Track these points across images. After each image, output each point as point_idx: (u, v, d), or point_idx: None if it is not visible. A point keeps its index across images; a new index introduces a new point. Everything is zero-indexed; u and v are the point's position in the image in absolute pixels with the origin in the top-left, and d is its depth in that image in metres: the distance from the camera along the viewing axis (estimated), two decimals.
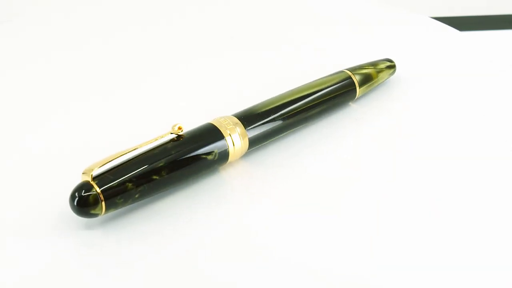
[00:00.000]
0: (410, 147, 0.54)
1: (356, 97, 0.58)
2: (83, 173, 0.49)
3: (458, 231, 0.48)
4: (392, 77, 0.61)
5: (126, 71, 0.63)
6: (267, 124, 0.54)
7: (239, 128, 0.53)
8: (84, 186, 0.48)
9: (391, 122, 0.57)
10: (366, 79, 0.58)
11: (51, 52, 0.66)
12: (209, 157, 0.52)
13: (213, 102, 0.60)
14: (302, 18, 0.72)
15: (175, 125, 0.52)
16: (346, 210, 0.50)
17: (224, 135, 0.52)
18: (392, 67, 0.60)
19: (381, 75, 0.59)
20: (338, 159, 0.54)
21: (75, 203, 0.48)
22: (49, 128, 0.57)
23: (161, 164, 0.50)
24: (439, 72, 0.62)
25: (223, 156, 0.53)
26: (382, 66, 0.60)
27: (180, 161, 0.51)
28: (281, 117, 0.55)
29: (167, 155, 0.51)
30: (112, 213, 0.50)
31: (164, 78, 0.63)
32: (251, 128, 0.54)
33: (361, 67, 0.59)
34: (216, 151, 0.52)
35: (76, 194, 0.48)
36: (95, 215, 0.49)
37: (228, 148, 0.52)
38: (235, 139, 0.53)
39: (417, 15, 0.73)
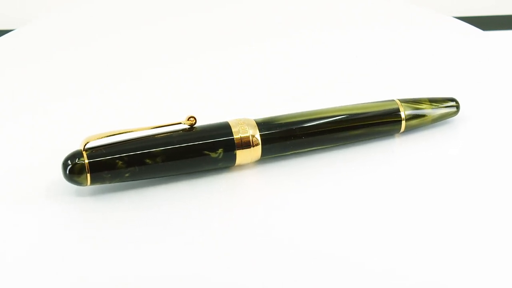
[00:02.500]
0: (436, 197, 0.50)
1: (401, 130, 0.54)
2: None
3: None
4: None
5: (161, 68, 0.64)
6: (287, 136, 0.52)
7: (254, 132, 0.51)
8: (75, 155, 0.49)
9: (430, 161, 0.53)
10: (418, 115, 0.54)
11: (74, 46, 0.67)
12: (213, 154, 0.50)
13: (248, 103, 0.58)
14: (326, 18, 0.70)
15: (189, 116, 0.51)
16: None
17: (234, 135, 0.51)
18: (453, 107, 0.55)
19: (437, 114, 0.54)
20: (352, 189, 0.50)
21: (63, 169, 0.49)
22: (67, 110, 0.58)
23: (158, 150, 0.50)
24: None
25: (229, 157, 0.51)
26: (442, 105, 0.55)
27: (179, 152, 0.50)
28: (304, 132, 0.52)
29: (167, 143, 0.50)
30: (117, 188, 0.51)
31: (202, 75, 0.62)
32: (269, 136, 0.51)
33: (416, 100, 0.54)
34: (221, 150, 0.51)
35: (66, 161, 0.49)
36: (82, 185, 0.49)
37: (236, 150, 0.51)
38: (245, 142, 0.51)
39: (441, 15, 0.70)
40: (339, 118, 0.53)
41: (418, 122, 0.54)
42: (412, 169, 0.52)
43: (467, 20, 0.70)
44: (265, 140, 0.51)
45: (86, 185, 0.49)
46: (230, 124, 0.51)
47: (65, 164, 0.49)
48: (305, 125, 0.52)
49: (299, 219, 0.49)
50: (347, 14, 0.71)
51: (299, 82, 0.61)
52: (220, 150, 0.51)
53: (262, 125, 0.52)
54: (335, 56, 0.64)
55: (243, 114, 0.54)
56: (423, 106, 0.54)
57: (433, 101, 0.55)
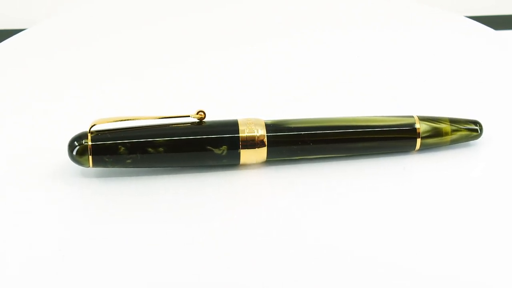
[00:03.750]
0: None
1: (417, 148, 0.52)
2: None
3: None
4: None
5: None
6: (295, 140, 0.51)
7: (261, 133, 0.51)
8: (81, 136, 0.50)
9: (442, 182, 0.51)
10: (435, 134, 0.52)
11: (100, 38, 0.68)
12: (217, 150, 0.50)
13: (260, 103, 0.58)
14: (338, 18, 0.70)
15: (198, 111, 0.51)
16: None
17: (240, 133, 0.50)
18: (475, 131, 0.53)
19: (457, 136, 0.52)
20: (354, 203, 0.49)
21: (68, 149, 0.50)
22: (75, 102, 0.59)
23: (161, 140, 0.50)
24: None
25: (233, 155, 0.51)
26: (463, 127, 0.52)
27: (182, 144, 0.50)
28: (312, 138, 0.51)
29: (171, 134, 0.50)
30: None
31: (204, 75, 0.62)
32: (276, 139, 0.51)
33: (436, 119, 0.52)
34: (225, 147, 0.50)
35: (71, 142, 0.50)
36: (84, 166, 0.50)
37: (240, 148, 0.50)
38: (250, 141, 0.50)
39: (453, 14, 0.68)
40: (350, 128, 0.51)
41: (435, 141, 0.52)
42: (421, 188, 0.50)
43: (479, 20, 0.69)
44: (272, 142, 0.51)
45: (89, 166, 0.50)
46: (239, 123, 0.51)
47: (70, 145, 0.50)
48: (314, 132, 0.51)
49: (299, 222, 0.48)
50: (355, 13, 0.71)
51: (300, 82, 0.60)
52: (224, 147, 0.50)
53: (271, 126, 0.51)
54: (348, 56, 0.64)
55: (256, 114, 0.53)
56: (442, 125, 0.52)
57: (454, 122, 0.52)
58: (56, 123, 0.56)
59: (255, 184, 0.51)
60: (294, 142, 0.51)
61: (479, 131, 0.53)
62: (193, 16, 0.69)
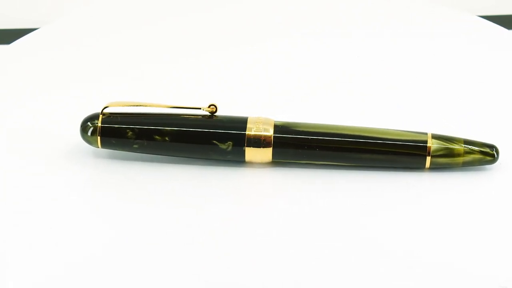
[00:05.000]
0: None
1: (427, 166, 0.51)
2: None
3: None
4: None
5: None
6: (301, 144, 0.51)
7: (268, 133, 0.51)
8: (93, 117, 0.52)
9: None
10: (447, 154, 0.51)
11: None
12: (222, 145, 0.51)
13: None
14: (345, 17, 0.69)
15: (210, 104, 0.51)
16: None
17: (247, 131, 0.51)
18: (489, 155, 0.51)
19: (469, 158, 0.51)
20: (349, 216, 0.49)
21: (80, 128, 0.52)
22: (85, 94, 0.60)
23: (167, 129, 0.51)
24: None
25: (238, 152, 0.51)
26: (477, 149, 0.51)
27: (188, 135, 0.51)
28: (319, 144, 0.51)
29: (179, 124, 0.51)
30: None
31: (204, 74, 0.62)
32: (282, 140, 0.51)
33: (450, 139, 0.51)
34: (230, 143, 0.51)
35: (84, 121, 0.52)
36: (94, 145, 0.52)
37: (245, 146, 0.50)
38: (256, 140, 0.51)
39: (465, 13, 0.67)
40: (358, 138, 0.51)
41: (446, 161, 0.51)
42: (420, 207, 0.49)
43: (491, 19, 0.67)
44: (278, 143, 0.51)
45: (98, 147, 0.52)
46: (248, 120, 0.51)
47: (82, 124, 0.52)
48: (321, 138, 0.51)
49: (299, 223, 0.48)
50: (360, 13, 0.70)
51: (300, 82, 0.60)
52: (229, 143, 0.51)
53: (280, 128, 0.51)
54: (359, 56, 0.64)
55: (268, 114, 0.53)
56: (456, 146, 0.51)
57: (469, 143, 0.51)
58: (72, 109, 0.57)
59: (258, 184, 0.51)
60: (300, 146, 0.51)
61: (494, 156, 0.51)
62: (194, 16, 0.70)
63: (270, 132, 0.51)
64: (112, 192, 0.50)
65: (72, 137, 0.53)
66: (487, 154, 0.51)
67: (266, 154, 0.51)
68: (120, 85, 0.61)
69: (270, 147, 0.51)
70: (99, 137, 0.51)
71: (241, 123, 0.51)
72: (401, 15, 0.70)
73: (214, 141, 0.51)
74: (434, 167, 0.51)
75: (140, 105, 0.52)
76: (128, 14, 0.70)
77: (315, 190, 0.50)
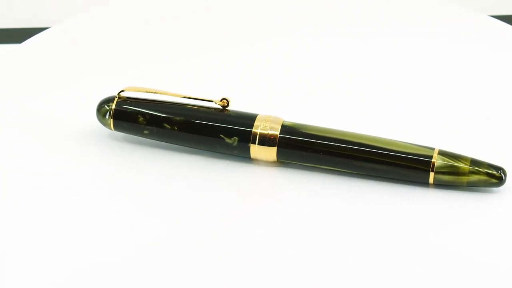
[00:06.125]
0: None
1: (430, 182, 0.50)
2: None
3: None
4: None
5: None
6: (305, 146, 0.51)
7: (274, 132, 0.51)
8: (109, 99, 0.53)
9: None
10: (452, 172, 0.50)
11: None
12: (228, 140, 0.51)
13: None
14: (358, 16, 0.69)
15: (222, 98, 0.52)
16: None
17: (253, 128, 0.51)
18: (494, 177, 0.49)
19: (474, 178, 0.49)
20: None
21: (96, 110, 0.54)
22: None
23: (177, 119, 0.52)
24: None
25: (244, 148, 0.51)
26: (483, 170, 0.49)
27: (196, 127, 0.52)
28: (323, 149, 0.50)
29: (189, 115, 0.52)
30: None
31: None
32: (287, 141, 0.51)
33: (456, 156, 0.50)
34: (236, 138, 0.51)
35: (100, 103, 0.54)
36: (108, 127, 0.53)
37: (250, 143, 0.51)
38: (261, 138, 0.51)
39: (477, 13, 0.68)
40: (362, 146, 0.50)
41: (450, 179, 0.50)
42: (415, 224, 0.48)
43: (503, 19, 0.66)
44: (282, 143, 0.51)
45: (111, 129, 0.53)
46: (257, 118, 0.52)
47: (98, 106, 0.53)
48: (326, 142, 0.51)
49: (299, 224, 0.48)
50: (365, 13, 0.70)
51: (300, 82, 0.60)
52: (235, 138, 0.51)
53: (287, 128, 0.51)
54: (365, 57, 0.63)
55: (285, 113, 0.54)
56: (461, 164, 0.50)
57: (475, 163, 0.50)
58: (82, 101, 0.59)
59: (260, 183, 0.52)
60: (304, 148, 0.51)
61: (500, 179, 0.50)
62: (194, 16, 0.70)
63: (276, 132, 0.51)
64: (109, 181, 0.51)
65: (86, 124, 0.55)
66: (492, 176, 0.49)
67: (270, 153, 0.51)
68: (128, 82, 0.61)
69: (275, 146, 0.51)
70: (112, 120, 0.52)
71: (249, 119, 0.52)
72: (409, 14, 0.70)
73: (221, 135, 0.51)
74: (439, 184, 0.50)
75: (155, 92, 0.53)
76: (136, 15, 0.71)
77: (316, 192, 0.50)
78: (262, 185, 0.52)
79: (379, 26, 0.68)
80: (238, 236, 0.48)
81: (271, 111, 0.53)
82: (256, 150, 0.51)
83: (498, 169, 0.50)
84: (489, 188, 0.50)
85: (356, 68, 0.62)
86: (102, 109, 0.53)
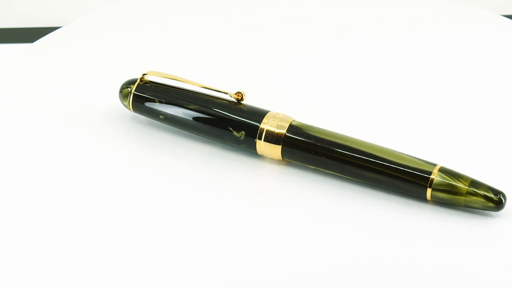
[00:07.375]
0: None
1: (428, 198, 0.49)
2: None
3: None
4: None
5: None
6: (309, 148, 0.51)
7: (281, 131, 0.52)
8: (131, 81, 0.56)
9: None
10: (449, 190, 0.49)
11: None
12: (236, 133, 0.52)
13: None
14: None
15: (237, 91, 0.53)
16: None
17: (260, 125, 0.52)
18: (491, 201, 0.48)
19: (470, 199, 0.48)
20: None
21: (119, 91, 0.56)
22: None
23: (191, 107, 0.53)
24: None
25: (250, 143, 0.52)
26: (480, 192, 0.48)
27: (207, 118, 0.53)
28: (325, 153, 0.51)
29: (203, 105, 0.53)
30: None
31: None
32: (291, 141, 0.51)
33: (457, 175, 0.49)
34: (244, 133, 0.52)
35: (123, 84, 0.56)
36: (128, 109, 0.56)
37: (256, 138, 0.52)
38: (267, 135, 0.52)
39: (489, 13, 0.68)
40: (363, 155, 0.50)
41: (447, 197, 0.49)
42: (406, 239, 0.48)
43: None
44: (287, 142, 0.52)
45: (131, 111, 0.55)
46: (267, 115, 0.52)
47: (121, 87, 0.56)
48: (329, 147, 0.51)
49: (299, 225, 0.49)
50: (392, 19, 0.69)
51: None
52: (243, 132, 0.52)
53: (294, 128, 0.52)
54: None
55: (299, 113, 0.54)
56: (460, 184, 0.49)
57: (474, 184, 0.49)
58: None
59: (264, 182, 0.52)
60: (307, 150, 0.51)
61: (498, 203, 0.48)
62: (198, 15, 0.71)
63: (283, 130, 0.52)
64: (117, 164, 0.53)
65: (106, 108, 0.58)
66: (490, 200, 0.48)
67: (275, 151, 0.52)
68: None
69: (280, 144, 0.52)
70: (131, 101, 0.54)
71: (259, 116, 0.52)
72: (421, 16, 0.70)
73: (230, 128, 0.52)
74: (436, 201, 0.50)
75: (175, 79, 0.54)
76: (148, 13, 0.72)
77: (316, 194, 0.51)
78: (264, 185, 0.52)
79: (395, 32, 0.68)
80: (238, 236, 0.48)
81: (288, 111, 0.54)
82: (262, 146, 0.52)
83: (498, 192, 0.48)
84: (488, 212, 0.49)
85: (378, 75, 0.62)
86: (124, 90, 0.55)
